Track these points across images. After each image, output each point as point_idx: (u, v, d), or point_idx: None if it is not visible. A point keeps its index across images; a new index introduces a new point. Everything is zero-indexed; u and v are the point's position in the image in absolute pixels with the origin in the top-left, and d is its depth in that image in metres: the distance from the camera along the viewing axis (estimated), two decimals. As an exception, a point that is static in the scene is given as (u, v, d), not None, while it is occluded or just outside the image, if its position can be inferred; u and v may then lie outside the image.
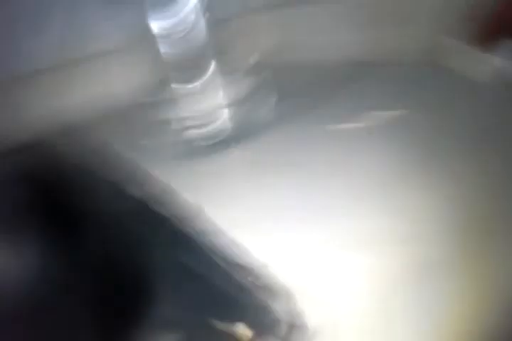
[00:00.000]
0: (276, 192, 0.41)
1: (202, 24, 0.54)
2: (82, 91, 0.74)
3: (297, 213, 0.37)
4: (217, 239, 0.35)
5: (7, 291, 0.47)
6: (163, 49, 0.55)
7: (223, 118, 0.55)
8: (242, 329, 0.27)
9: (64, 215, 0.52)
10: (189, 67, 0.54)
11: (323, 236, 0.33)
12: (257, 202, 0.40)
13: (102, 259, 0.46)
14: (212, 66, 0.54)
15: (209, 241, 0.35)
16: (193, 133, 0.56)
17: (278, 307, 0.28)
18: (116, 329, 0.36)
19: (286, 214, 0.37)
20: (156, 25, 0.54)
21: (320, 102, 0.61)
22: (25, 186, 0.55)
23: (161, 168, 0.50)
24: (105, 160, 0.56)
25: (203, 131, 0.55)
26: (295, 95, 0.65)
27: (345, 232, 0.33)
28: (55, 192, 0.53)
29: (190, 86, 0.55)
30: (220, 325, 0.28)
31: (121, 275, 0.43)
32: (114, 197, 0.46)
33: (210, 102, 0.55)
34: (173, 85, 0.56)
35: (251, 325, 0.27)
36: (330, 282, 0.29)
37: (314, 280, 0.29)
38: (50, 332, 0.42)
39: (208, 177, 0.46)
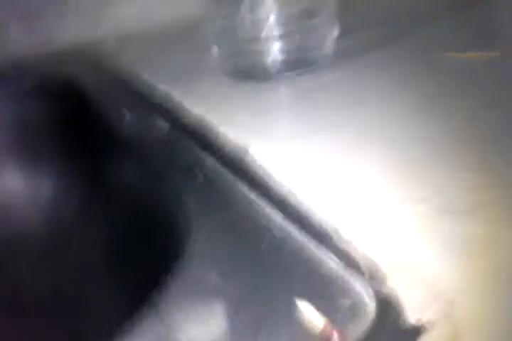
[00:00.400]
0: (333, 139, 0.32)
1: None
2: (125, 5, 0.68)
3: (363, 163, 0.28)
4: (269, 185, 0.27)
5: (21, 214, 0.44)
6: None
7: (275, 48, 0.46)
8: (308, 314, 0.19)
9: (87, 139, 0.46)
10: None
11: (415, 195, 0.25)
12: (310, 145, 0.31)
13: (121, 191, 0.40)
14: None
15: (259, 186, 0.27)
16: (239, 62, 0.48)
17: (360, 287, 0.20)
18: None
19: (348, 164, 0.29)
20: None
21: (390, 40, 0.51)
22: (56, 98, 0.49)
23: (200, 100, 0.42)
24: (135, 85, 0.49)
25: (251, 61, 0.47)
26: (361, 29, 0.56)
27: (446, 192, 0.25)
28: (84, 109, 0.47)
29: (240, 8, 0.46)
30: (278, 302, 0.20)
31: (141, 210, 0.36)
32: (141, 126, 0.38)
33: (262, 28, 0.46)
34: (221, 6, 0.47)
35: (320, 308, 0.19)
36: (430, 255, 0.20)
37: (410, 252, 0.21)
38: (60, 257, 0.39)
39: (252, 113, 0.38)
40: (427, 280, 0.19)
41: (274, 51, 0.45)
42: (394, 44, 0.49)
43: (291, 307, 0.19)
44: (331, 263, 0.21)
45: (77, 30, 0.66)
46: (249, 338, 0.18)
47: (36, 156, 0.50)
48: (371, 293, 0.19)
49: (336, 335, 0.18)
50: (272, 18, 0.45)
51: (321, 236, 0.22)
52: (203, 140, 0.34)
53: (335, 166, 0.28)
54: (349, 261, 0.21)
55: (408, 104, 0.36)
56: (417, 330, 0.18)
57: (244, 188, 0.28)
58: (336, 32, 0.47)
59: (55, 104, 0.50)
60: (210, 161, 0.31)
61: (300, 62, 0.46)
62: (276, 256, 0.22)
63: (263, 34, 0.45)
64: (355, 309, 0.19)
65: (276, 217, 0.25)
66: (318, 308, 0.19)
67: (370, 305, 0.19)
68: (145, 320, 0.19)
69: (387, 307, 0.19)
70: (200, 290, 0.20)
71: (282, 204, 0.25)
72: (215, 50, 0.48)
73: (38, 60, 0.57)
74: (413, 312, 0.18)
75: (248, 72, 0.47)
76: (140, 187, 0.36)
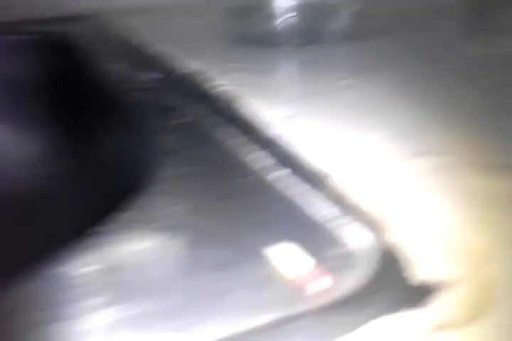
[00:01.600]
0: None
1: None
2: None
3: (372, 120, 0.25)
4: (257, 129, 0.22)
5: (8, 174, 0.42)
6: None
7: (287, 17, 0.43)
8: (286, 258, 0.15)
9: (77, 93, 0.43)
10: None
11: (418, 150, 0.21)
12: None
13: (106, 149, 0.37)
14: None
15: (246, 128, 0.23)
16: (248, 28, 0.44)
17: (357, 236, 0.16)
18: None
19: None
20: None
21: (402, 31, 0.49)
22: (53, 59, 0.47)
23: (200, 58, 0.38)
24: (135, 45, 0.46)
25: (260, 27, 0.43)
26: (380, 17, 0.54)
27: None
28: (77, 65, 0.45)
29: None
30: (253, 243, 0.15)
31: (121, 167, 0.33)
32: (134, 78, 0.35)
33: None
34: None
35: (305, 253, 0.15)
36: (441, 209, 0.16)
37: (418, 205, 0.17)
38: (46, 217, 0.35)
39: (251, 73, 0.34)
40: (437, 234, 0.15)
41: (286, 20, 0.42)
42: (406, 35, 0.46)
43: (267, 250, 0.15)
44: (322, 206, 0.17)
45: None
46: (208, 275, 0.14)
47: (25, 110, 0.46)
48: (370, 242, 0.15)
49: (317, 281, 0.14)
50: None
51: (313, 180, 0.18)
52: (193, 88, 0.30)
53: (330, 125, 0.25)
54: (344, 207, 0.17)
55: (404, 82, 0.33)
56: (424, 290, 0.14)
57: (231, 131, 0.24)
58: (352, 10, 0.44)
59: (48, 60, 0.47)
60: (197, 106, 0.27)
61: (311, 34, 0.43)
62: (262, 197, 0.18)
63: (277, 3, 0.42)
64: (346, 259, 0.15)
65: (266, 158, 0.21)
66: (302, 252, 0.15)
67: (367, 256, 0.15)
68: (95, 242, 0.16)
69: (388, 260, 0.15)
70: (162, 223, 0.17)
71: (272, 147, 0.21)
72: (226, 16, 0.45)
73: (42, 20, 0.55)
74: (422, 269, 0.14)
75: (256, 38, 0.44)
76: (121, 132, 0.32)
